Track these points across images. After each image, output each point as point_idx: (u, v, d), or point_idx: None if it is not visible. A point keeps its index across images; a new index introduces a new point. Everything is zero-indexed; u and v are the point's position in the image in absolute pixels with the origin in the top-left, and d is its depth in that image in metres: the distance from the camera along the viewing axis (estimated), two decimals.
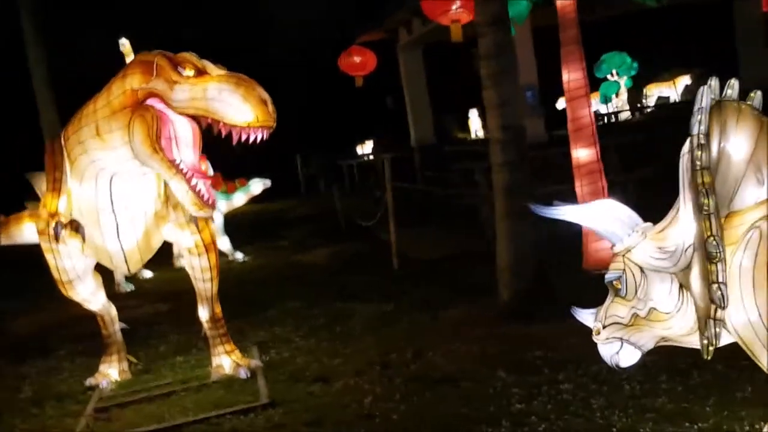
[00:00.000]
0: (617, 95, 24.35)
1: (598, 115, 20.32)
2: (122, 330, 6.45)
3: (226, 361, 5.89)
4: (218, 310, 6.00)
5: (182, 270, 11.40)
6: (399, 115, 21.08)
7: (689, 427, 3.89)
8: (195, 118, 4.73)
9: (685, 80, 23.40)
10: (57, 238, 5.27)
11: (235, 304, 7.52)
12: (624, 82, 23.78)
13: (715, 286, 3.02)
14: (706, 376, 4.45)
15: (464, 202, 11.32)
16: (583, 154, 7.29)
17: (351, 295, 8.01)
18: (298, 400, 5.13)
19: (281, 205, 19.60)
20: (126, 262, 5.68)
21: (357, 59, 16.20)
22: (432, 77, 19.38)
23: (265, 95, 4.53)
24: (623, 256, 3.41)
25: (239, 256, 11.92)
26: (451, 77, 23.13)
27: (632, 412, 4.18)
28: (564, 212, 3.96)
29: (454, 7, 9.92)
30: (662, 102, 23.56)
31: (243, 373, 5.75)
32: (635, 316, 3.39)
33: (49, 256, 5.75)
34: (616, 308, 3.43)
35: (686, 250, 3.20)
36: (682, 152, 3.17)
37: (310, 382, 5.47)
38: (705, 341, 3.14)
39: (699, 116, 3.09)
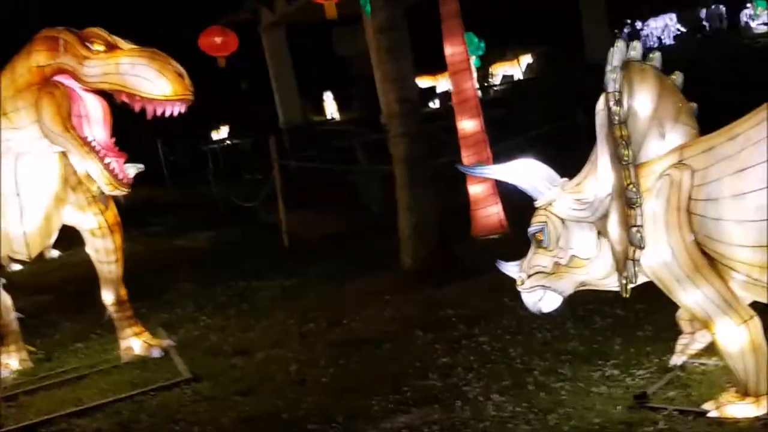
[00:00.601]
0: None
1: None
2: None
3: (135, 342, 5.79)
4: (123, 292, 5.90)
5: (54, 261, 10.98)
6: (258, 97, 20.86)
7: (603, 364, 4.26)
8: (105, 95, 4.66)
9: (527, 59, 24.40)
10: None
11: (127, 289, 7.33)
12: (473, 61, 24.49)
13: (634, 229, 3.36)
14: (608, 320, 4.88)
15: (345, 180, 11.45)
16: (468, 125, 7.63)
17: (247, 274, 7.99)
18: (222, 373, 5.14)
19: (146, 192, 18.92)
20: (27, 246, 5.48)
21: (218, 40, 15.93)
22: (294, 58, 19.35)
23: (180, 69, 4.54)
24: (545, 209, 3.70)
25: None
26: (309, 59, 23.15)
27: (549, 356, 4.52)
28: (488, 171, 4.26)
29: None
30: (507, 80, 24.45)
31: (156, 353, 5.69)
32: (557, 264, 3.69)
33: None
34: (539, 258, 3.72)
35: (603, 199, 3.53)
36: (597, 108, 3.49)
37: (229, 355, 5.50)
38: (624, 281, 3.49)
39: (613, 74, 3.41)
